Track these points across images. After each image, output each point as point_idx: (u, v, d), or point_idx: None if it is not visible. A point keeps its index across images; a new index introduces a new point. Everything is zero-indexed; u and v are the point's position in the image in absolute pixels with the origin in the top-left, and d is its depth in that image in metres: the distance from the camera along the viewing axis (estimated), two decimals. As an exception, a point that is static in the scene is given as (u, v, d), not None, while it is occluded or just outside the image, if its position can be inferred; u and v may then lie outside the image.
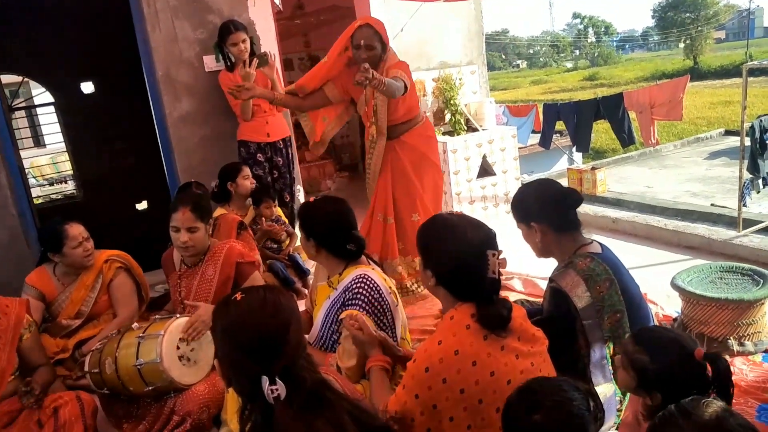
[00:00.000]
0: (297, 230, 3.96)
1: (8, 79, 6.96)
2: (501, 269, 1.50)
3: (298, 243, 3.91)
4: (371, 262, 2.20)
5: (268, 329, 1.21)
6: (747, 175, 4.18)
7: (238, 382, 1.23)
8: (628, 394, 1.77)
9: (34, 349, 2.20)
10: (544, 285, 3.17)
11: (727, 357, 2.41)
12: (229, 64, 3.81)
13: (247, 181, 3.52)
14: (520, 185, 2.30)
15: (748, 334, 2.47)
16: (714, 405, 1.14)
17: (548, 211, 1.96)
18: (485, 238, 1.51)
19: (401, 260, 3.44)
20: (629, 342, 1.52)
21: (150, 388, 2.19)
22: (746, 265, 2.74)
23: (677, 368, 1.40)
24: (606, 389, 1.76)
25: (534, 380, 1.21)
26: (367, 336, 1.75)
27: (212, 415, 2.24)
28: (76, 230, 2.69)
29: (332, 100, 3.33)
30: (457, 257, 1.49)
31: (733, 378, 1.54)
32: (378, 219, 3.38)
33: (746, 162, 4.11)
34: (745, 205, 3.93)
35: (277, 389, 1.15)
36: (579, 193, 2.00)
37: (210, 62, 3.93)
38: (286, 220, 3.83)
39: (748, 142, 4.16)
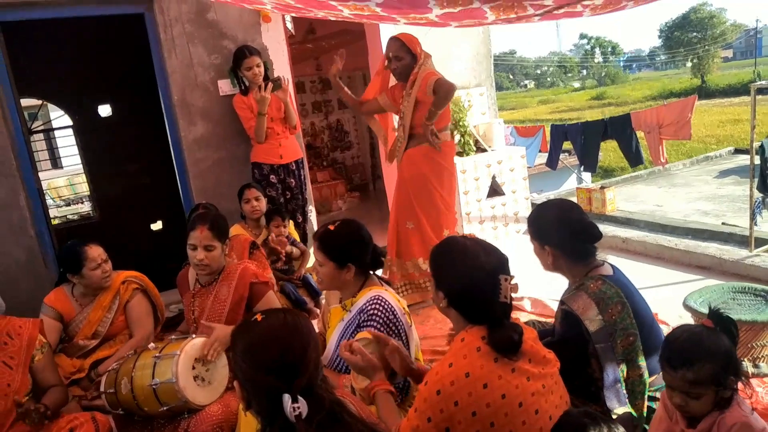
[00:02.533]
0: (310, 250, 4.01)
1: (27, 102, 7.14)
2: (513, 293, 1.52)
3: (310, 264, 3.95)
4: (383, 283, 2.23)
5: (289, 348, 1.24)
6: (758, 194, 4.18)
7: (259, 403, 1.25)
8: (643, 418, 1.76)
9: (46, 369, 2.21)
10: (553, 305, 3.17)
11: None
12: (243, 88, 3.90)
13: (248, 205, 3.57)
14: (541, 202, 2.32)
15: (762, 356, 2.45)
16: None
17: (565, 240, 1.96)
18: (498, 263, 1.52)
19: (401, 262, 3.64)
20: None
21: (165, 408, 2.20)
22: (759, 286, 2.74)
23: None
24: (622, 413, 1.75)
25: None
26: (366, 362, 1.74)
27: (226, 436, 2.25)
28: (95, 252, 2.73)
29: (385, 108, 3.62)
30: (470, 281, 1.50)
31: (749, 401, 1.54)
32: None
33: (756, 181, 4.11)
34: (756, 224, 3.92)
35: (299, 407, 1.17)
36: (599, 229, 1.98)
37: (225, 86, 4.03)
38: (298, 239, 3.86)
39: (758, 160, 4.16)
